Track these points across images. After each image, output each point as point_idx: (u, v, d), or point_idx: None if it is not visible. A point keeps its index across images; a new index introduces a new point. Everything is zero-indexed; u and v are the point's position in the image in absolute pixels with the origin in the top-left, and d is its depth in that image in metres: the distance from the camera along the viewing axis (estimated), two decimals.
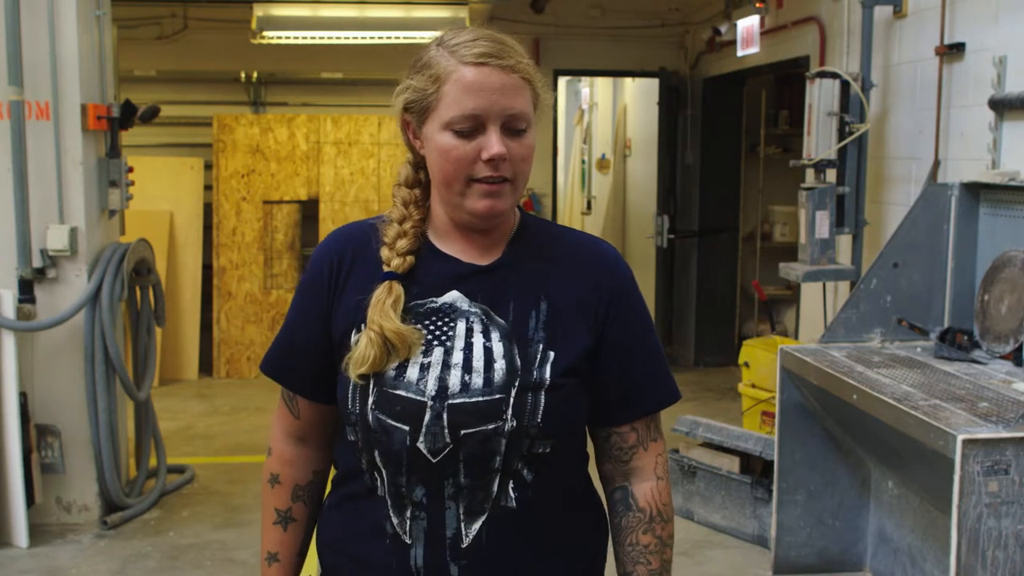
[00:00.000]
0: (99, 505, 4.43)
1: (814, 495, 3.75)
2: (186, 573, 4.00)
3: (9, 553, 4.12)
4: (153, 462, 4.88)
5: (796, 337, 5.88)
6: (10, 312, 4.15)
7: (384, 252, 1.47)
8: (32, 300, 4.24)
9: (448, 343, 1.43)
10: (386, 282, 1.44)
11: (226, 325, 7.20)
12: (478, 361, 1.41)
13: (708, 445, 4.47)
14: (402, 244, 1.46)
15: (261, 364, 1.59)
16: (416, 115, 1.44)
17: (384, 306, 1.42)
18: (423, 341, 1.43)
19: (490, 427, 1.39)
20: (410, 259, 1.46)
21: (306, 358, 1.52)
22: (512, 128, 1.40)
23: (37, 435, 4.30)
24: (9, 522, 4.16)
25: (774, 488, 3.78)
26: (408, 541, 1.42)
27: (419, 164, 1.51)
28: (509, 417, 1.40)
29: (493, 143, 1.38)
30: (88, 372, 4.33)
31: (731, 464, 4.35)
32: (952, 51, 3.97)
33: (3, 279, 4.22)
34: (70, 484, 4.40)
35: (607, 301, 1.49)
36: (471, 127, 1.38)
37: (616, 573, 1.55)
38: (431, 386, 1.40)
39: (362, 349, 1.41)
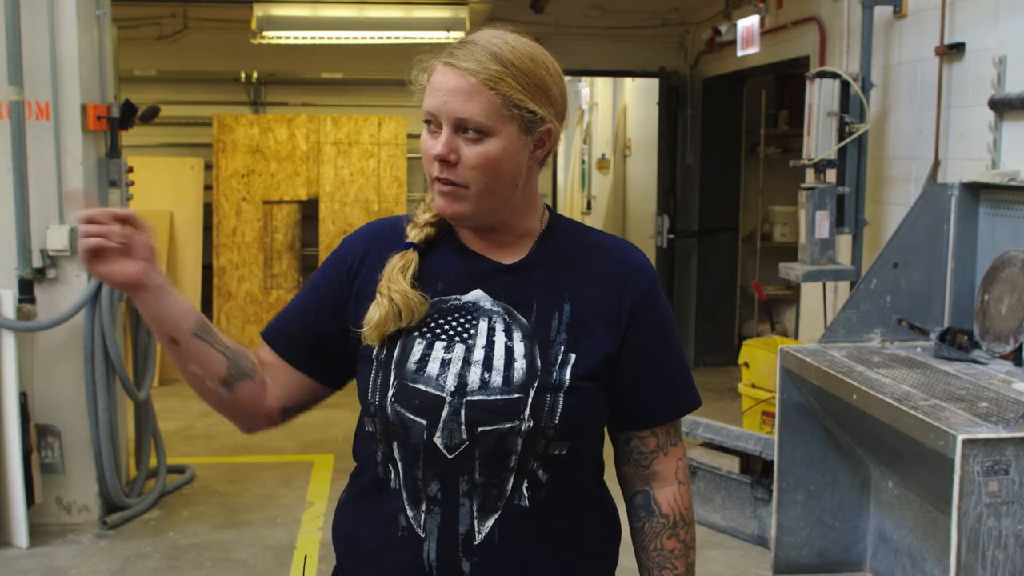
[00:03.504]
0: (99, 505, 4.43)
1: (814, 495, 3.75)
2: (186, 573, 4.00)
3: (9, 553, 4.12)
4: (153, 462, 4.88)
5: (796, 337, 5.87)
6: (10, 312, 4.15)
7: (408, 229, 1.51)
8: (32, 300, 4.24)
9: (470, 340, 1.43)
10: (403, 251, 1.47)
11: (226, 325, 7.20)
12: (499, 360, 1.42)
13: (708, 445, 4.47)
14: (423, 217, 1.49)
15: (262, 331, 1.59)
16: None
17: (394, 271, 1.45)
18: (443, 338, 1.44)
19: (507, 426, 1.40)
20: (429, 230, 1.49)
21: (302, 325, 1.54)
22: (465, 133, 1.40)
23: (37, 435, 4.30)
24: (9, 522, 4.16)
25: (774, 488, 3.78)
26: (422, 535, 1.43)
27: None
28: (526, 417, 1.40)
29: (436, 143, 1.41)
30: (88, 372, 4.33)
31: (731, 464, 4.35)
32: (952, 51, 3.97)
33: (3, 279, 4.22)
34: (70, 484, 4.40)
35: (632, 306, 1.49)
36: (433, 124, 1.42)
37: None
38: (451, 382, 1.41)
39: (370, 311, 1.44)
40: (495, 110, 1.39)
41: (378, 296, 1.44)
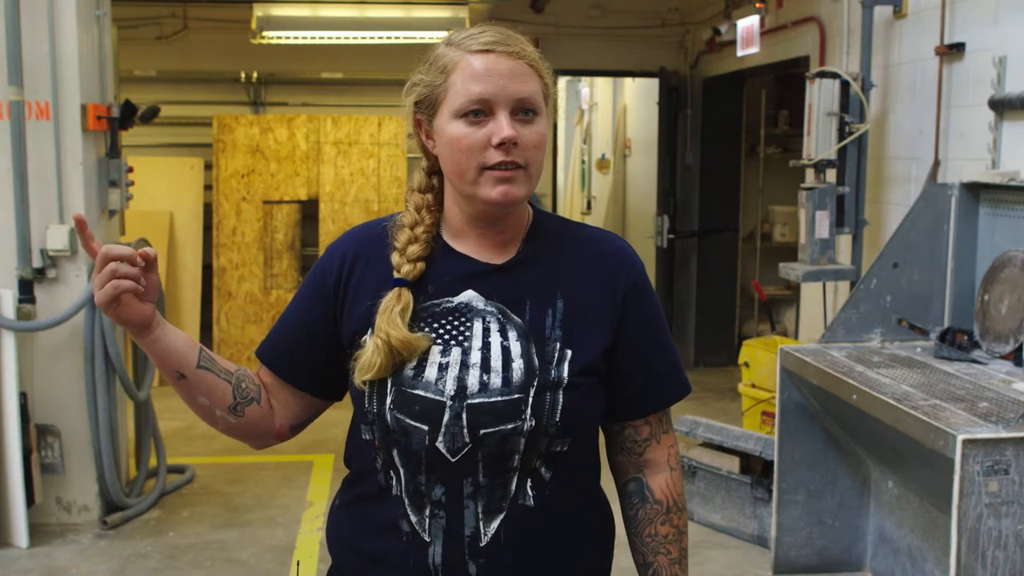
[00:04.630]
0: (99, 505, 4.43)
1: (814, 495, 3.75)
2: (186, 573, 4.00)
3: (9, 553, 4.12)
4: (153, 462, 4.88)
5: (796, 337, 5.87)
6: (10, 312, 4.15)
7: (395, 258, 1.47)
8: (32, 300, 4.24)
9: (466, 343, 1.43)
10: (395, 289, 1.44)
11: (226, 325, 7.20)
12: (496, 361, 1.41)
13: (708, 445, 4.47)
14: (413, 250, 1.46)
15: (256, 350, 1.58)
16: (426, 110, 1.45)
17: (392, 314, 1.42)
18: (439, 342, 1.43)
19: (509, 427, 1.40)
20: (420, 265, 1.46)
21: (295, 343, 1.54)
22: (522, 114, 1.40)
23: (37, 435, 4.30)
24: (9, 522, 4.16)
25: (774, 488, 3.78)
26: (427, 539, 1.42)
27: (432, 170, 1.51)
28: (528, 417, 1.40)
29: (503, 127, 1.38)
30: (88, 372, 4.33)
31: (731, 464, 4.35)
32: (952, 51, 3.97)
33: (3, 279, 4.21)
34: (70, 484, 4.40)
35: (623, 298, 1.50)
36: (481, 113, 1.39)
37: (635, 563, 1.56)
38: (450, 386, 1.40)
39: (368, 356, 1.41)
40: (540, 89, 1.43)
41: (378, 341, 1.41)
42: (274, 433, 1.56)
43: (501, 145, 1.38)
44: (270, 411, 1.55)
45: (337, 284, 1.50)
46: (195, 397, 1.48)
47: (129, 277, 1.33)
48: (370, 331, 1.44)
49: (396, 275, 1.45)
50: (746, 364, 5.27)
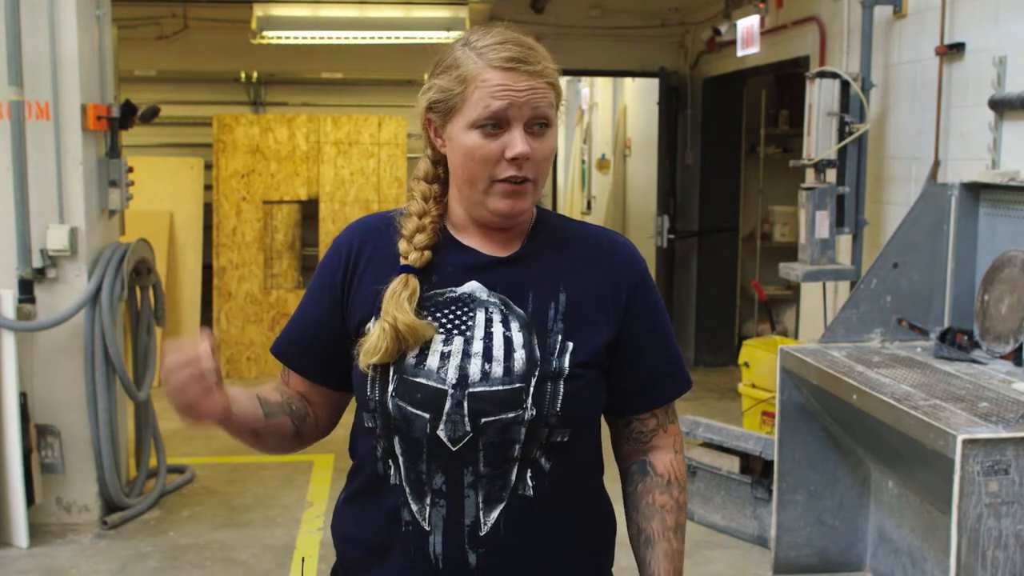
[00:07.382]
0: (99, 505, 4.43)
1: (814, 495, 3.75)
2: (186, 573, 4.00)
3: (9, 553, 4.12)
4: (153, 462, 4.88)
5: (796, 337, 5.87)
6: (10, 312, 4.15)
7: (402, 245, 1.49)
8: (32, 300, 4.24)
9: (468, 332, 1.44)
10: (403, 275, 1.46)
11: (226, 325, 7.20)
12: (498, 350, 1.43)
13: (708, 445, 4.47)
14: (420, 239, 1.48)
15: (271, 347, 1.60)
16: (440, 115, 1.46)
17: (399, 299, 1.44)
18: (442, 331, 1.44)
19: (510, 416, 1.41)
20: (427, 254, 1.48)
21: (313, 339, 1.55)
22: (535, 129, 1.42)
23: (37, 435, 4.30)
24: (9, 522, 4.16)
25: (774, 488, 3.78)
26: (427, 528, 1.43)
27: (438, 160, 1.53)
28: (529, 406, 1.41)
29: (517, 142, 1.40)
30: (88, 372, 4.33)
31: (731, 464, 4.35)
32: (952, 51, 3.97)
33: (3, 279, 4.21)
34: (70, 484, 4.40)
35: (626, 294, 1.52)
36: (496, 126, 1.40)
37: (628, 536, 1.56)
38: (452, 374, 1.42)
39: (374, 340, 1.43)
40: (553, 102, 1.45)
41: (385, 325, 1.42)
42: (319, 433, 1.61)
43: (514, 160, 1.40)
44: (317, 418, 1.59)
45: (344, 274, 1.52)
46: (267, 444, 1.53)
47: (193, 379, 1.32)
48: (374, 318, 1.46)
49: (403, 262, 1.47)
50: (746, 364, 5.27)
